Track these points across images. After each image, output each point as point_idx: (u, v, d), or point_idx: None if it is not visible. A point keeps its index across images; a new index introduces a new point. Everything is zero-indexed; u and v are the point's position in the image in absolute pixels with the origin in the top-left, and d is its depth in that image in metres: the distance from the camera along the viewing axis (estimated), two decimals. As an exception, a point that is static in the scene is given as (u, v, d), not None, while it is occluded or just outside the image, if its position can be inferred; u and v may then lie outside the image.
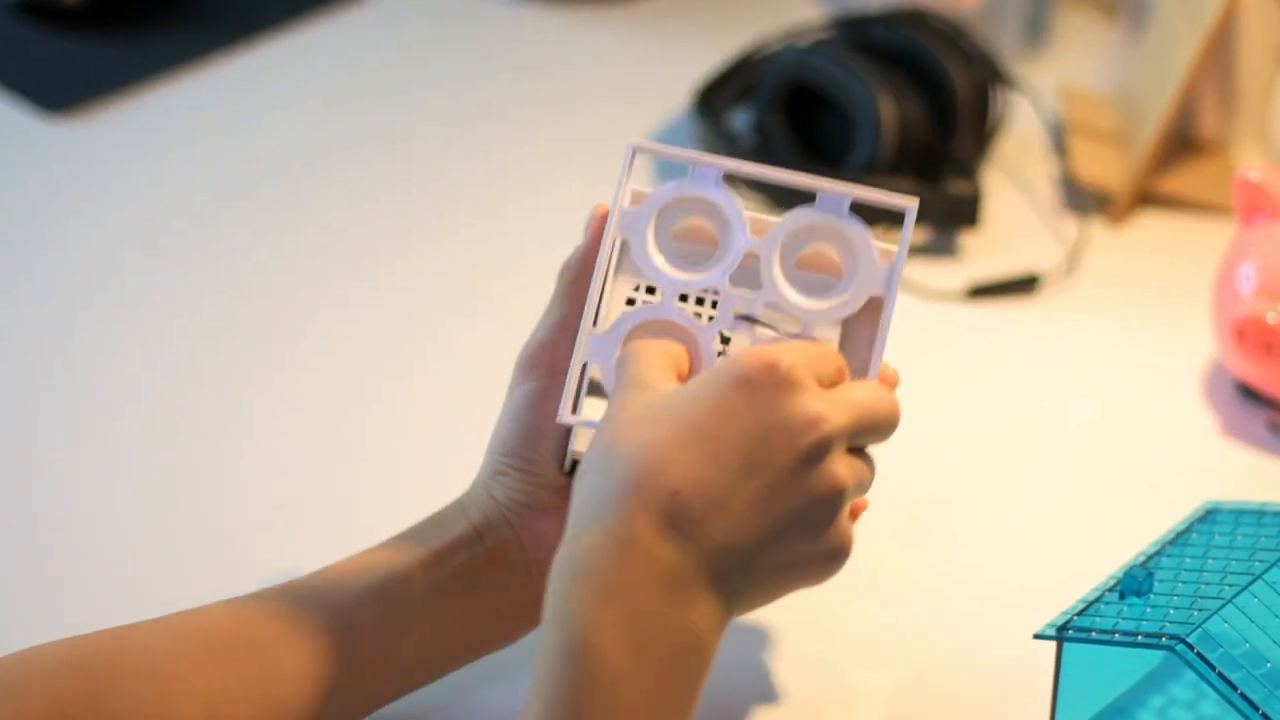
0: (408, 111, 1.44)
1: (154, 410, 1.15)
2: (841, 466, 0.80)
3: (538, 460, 0.89)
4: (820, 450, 0.79)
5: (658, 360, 0.84)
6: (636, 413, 0.80)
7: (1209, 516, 0.96)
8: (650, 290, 0.88)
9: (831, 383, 0.82)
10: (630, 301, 0.88)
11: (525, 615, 0.90)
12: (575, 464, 0.88)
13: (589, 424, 0.85)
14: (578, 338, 0.86)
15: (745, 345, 0.86)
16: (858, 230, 0.87)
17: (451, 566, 0.89)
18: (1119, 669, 0.93)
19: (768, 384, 0.79)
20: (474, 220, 1.33)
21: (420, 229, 1.32)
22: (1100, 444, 1.13)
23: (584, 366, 0.86)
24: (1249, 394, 1.14)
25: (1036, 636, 0.89)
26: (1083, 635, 0.88)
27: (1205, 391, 1.16)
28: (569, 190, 1.35)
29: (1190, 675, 0.91)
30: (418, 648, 0.88)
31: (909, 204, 0.86)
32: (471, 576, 0.89)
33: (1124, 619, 0.87)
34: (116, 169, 1.37)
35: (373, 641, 0.87)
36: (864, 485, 0.83)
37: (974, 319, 1.23)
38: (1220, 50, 1.29)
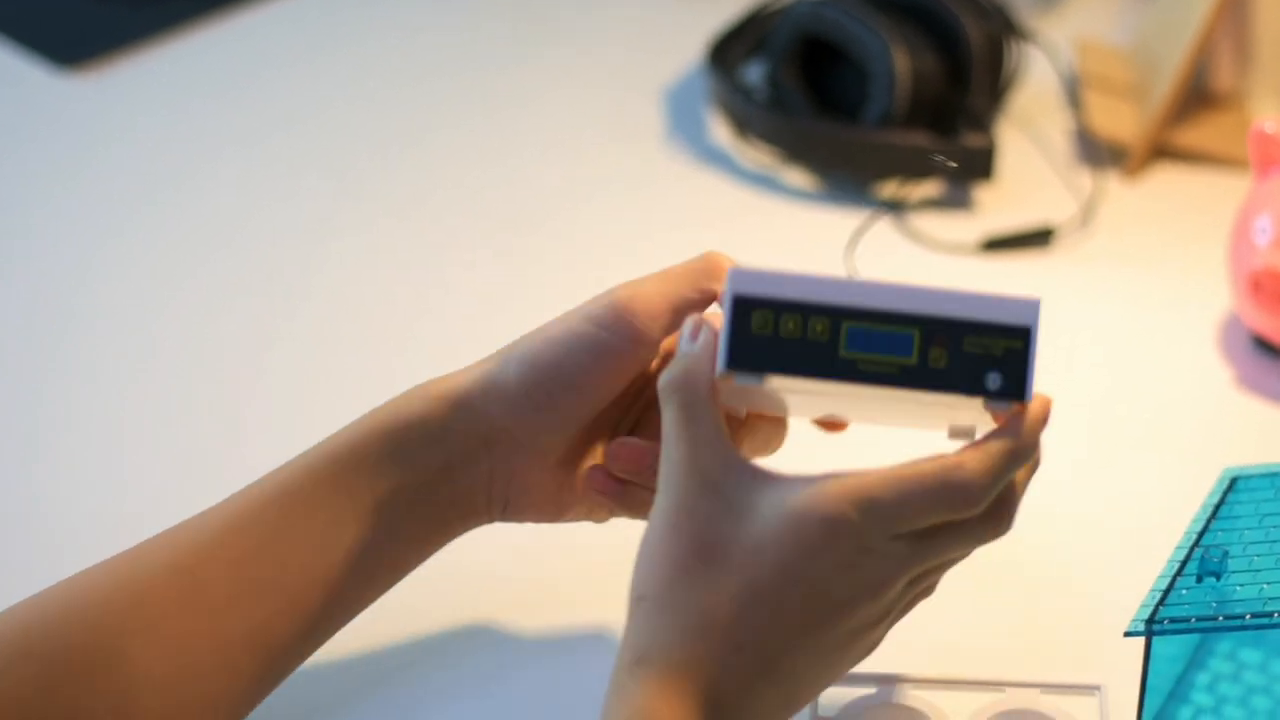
0: (421, 65, 1.44)
1: (163, 368, 1.16)
2: (886, 621, 0.80)
3: (577, 404, 0.85)
4: (876, 613, 0.79)
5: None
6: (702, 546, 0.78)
7: (1235, 484, 0.94)
8: None
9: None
10: None
11: (468, 521, 0.89)
12: None
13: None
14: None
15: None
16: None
17: (402, 507, 0.86)
18: (1168, 653, 0.89)
19: (832, 545, 0.77)
20: (488, 174, 1.32)
21: (434, 183, 1.32)
22: (1115, 397, 1.13)
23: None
24: (1265, 346, 1.14)
25: (1128, 634, 0.83)
26: (1182, 625, 0.82)
27: (1221, 344, 1.16)
28: (583, 144, 1.35)
29: (1225, 647, 0.88)
30: (353, 573, 0.86)
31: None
32: (425, 515, 0.87)
33: (1212, 602, 0.82)
34: (130, 124, 1.37)
35: (317, 583, 0.85)
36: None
37: (988, 272, 1.22)
38: (1236, 3, 1.29)
